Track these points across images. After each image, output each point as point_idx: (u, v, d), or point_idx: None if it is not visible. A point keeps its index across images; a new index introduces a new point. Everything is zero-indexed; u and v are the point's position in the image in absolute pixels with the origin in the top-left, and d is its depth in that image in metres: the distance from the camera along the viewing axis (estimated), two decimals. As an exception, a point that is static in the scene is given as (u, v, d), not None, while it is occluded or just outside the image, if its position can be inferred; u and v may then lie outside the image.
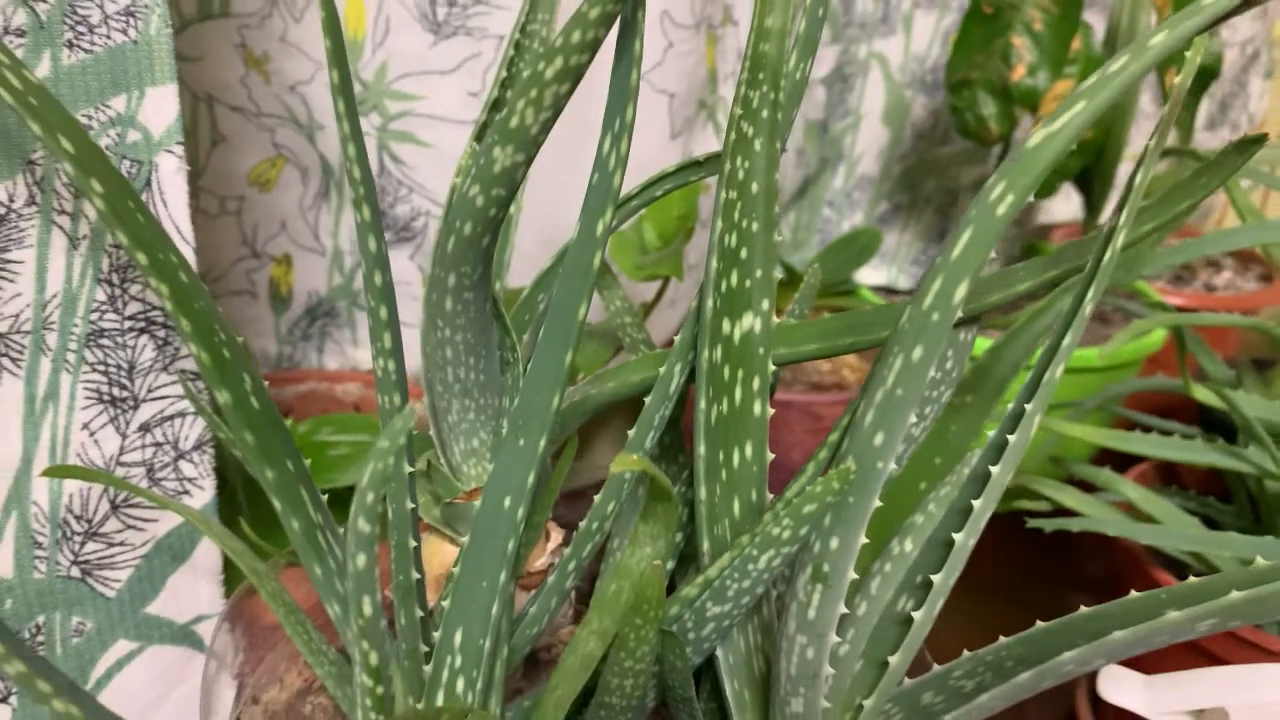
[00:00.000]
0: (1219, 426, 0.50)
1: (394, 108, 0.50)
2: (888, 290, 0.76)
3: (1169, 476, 0.55)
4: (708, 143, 0.58)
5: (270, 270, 0.56)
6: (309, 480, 0.28)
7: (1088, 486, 0.50)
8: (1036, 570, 0.62)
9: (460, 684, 0.26)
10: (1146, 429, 0.48)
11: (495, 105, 0.34)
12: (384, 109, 0.51)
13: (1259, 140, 0.26)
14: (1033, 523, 0.46)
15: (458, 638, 0.26)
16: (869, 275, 0.76)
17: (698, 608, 0.25)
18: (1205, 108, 0.87)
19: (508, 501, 0.25)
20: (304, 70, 0.50)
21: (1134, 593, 0.25)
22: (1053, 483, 0.48)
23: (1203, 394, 0.45)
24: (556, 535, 0.34)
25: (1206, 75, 0.58)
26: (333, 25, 0.23)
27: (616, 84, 0.24)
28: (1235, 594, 0.23)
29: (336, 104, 0.23)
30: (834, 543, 0.23)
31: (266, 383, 0.28)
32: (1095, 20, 0.69)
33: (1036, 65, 0.57)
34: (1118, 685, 0.34)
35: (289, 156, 0.53)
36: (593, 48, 0.22)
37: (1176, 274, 0.85)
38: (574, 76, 0.23)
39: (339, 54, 0.23)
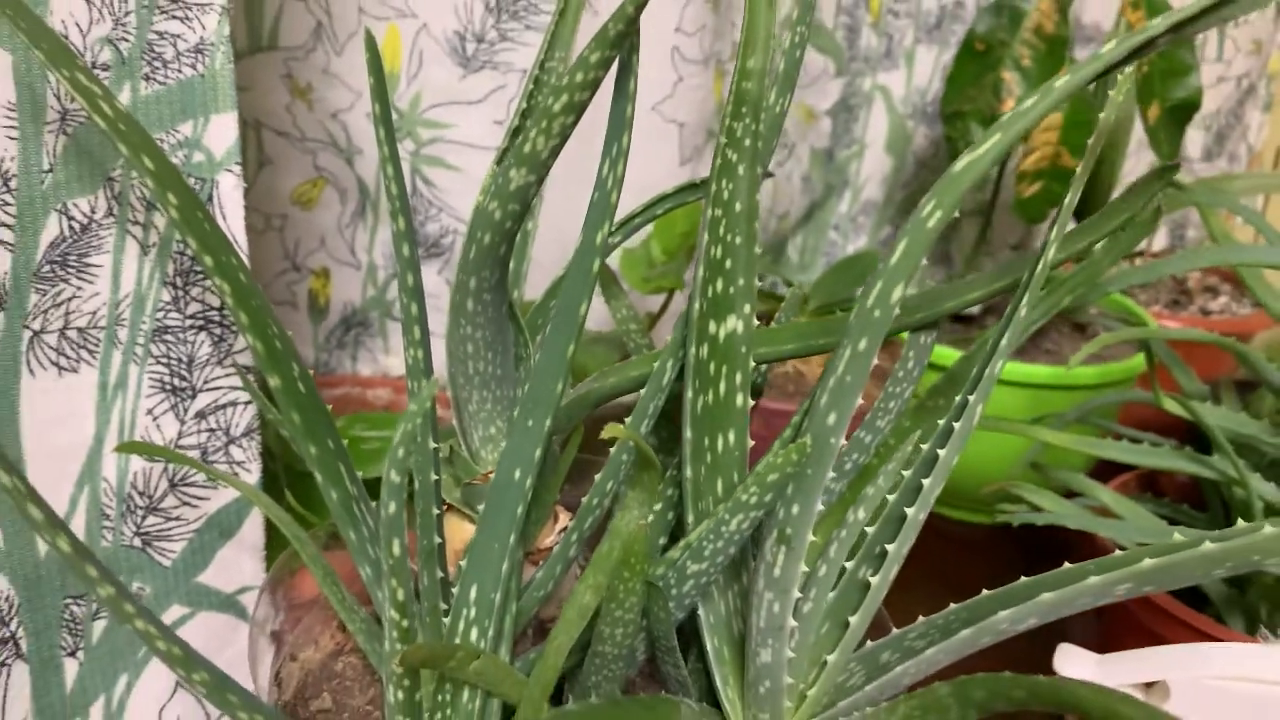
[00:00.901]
0: (1200, 443, 0.53)
1: (426, 135, 0.55)
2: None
3: (1151, 487, 0.58)
4: (716, 168, 0.62)
5: (310, 283, 0.61)
6: (346, 457, 0.32)
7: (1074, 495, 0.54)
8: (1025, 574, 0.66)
9: (474, 633, 0.30)
10: (1120, 439, 0.52)
11: (515, 133, 0.38)
12: (417, 136, 0.55)
13: (1174, 168, 0.30)
14: (1001, 518, 0.49)
15: (473, 592, 0.30)
16: (873, 296, 0.80)
17: (679, 566, 0.29)
18: (1201, 139, 0.90)
19: (518, 473, 0.29)
20: (344, 99, 0.55)
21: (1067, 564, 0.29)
22: (1033, 487, 0.52)
23: (1170, 405, 0.48)
24: (564, 517, 0.38)
25: (1188, 108, 0.61)
26: (375, 64, 0.27)
27: (614, 116, 0.28)
28: (1147, 561, 0.27)
29: (378, 131, 0.27)
30: (795, 509, 0.27)
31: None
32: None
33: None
34: (1072, 661, 0.37)
35: (329, 178, 0.58)
36: (594, 86, 0.26)
37: (1174, 299, 0.88)
38: (578, 110, 0.27)
39: (381, 90, 0.27)
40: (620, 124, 0.28)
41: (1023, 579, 0.29)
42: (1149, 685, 0.37)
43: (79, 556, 0.23)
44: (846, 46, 0.73)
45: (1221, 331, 0.81)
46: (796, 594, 0.28)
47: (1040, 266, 0.29)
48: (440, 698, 0.29)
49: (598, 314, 0.53)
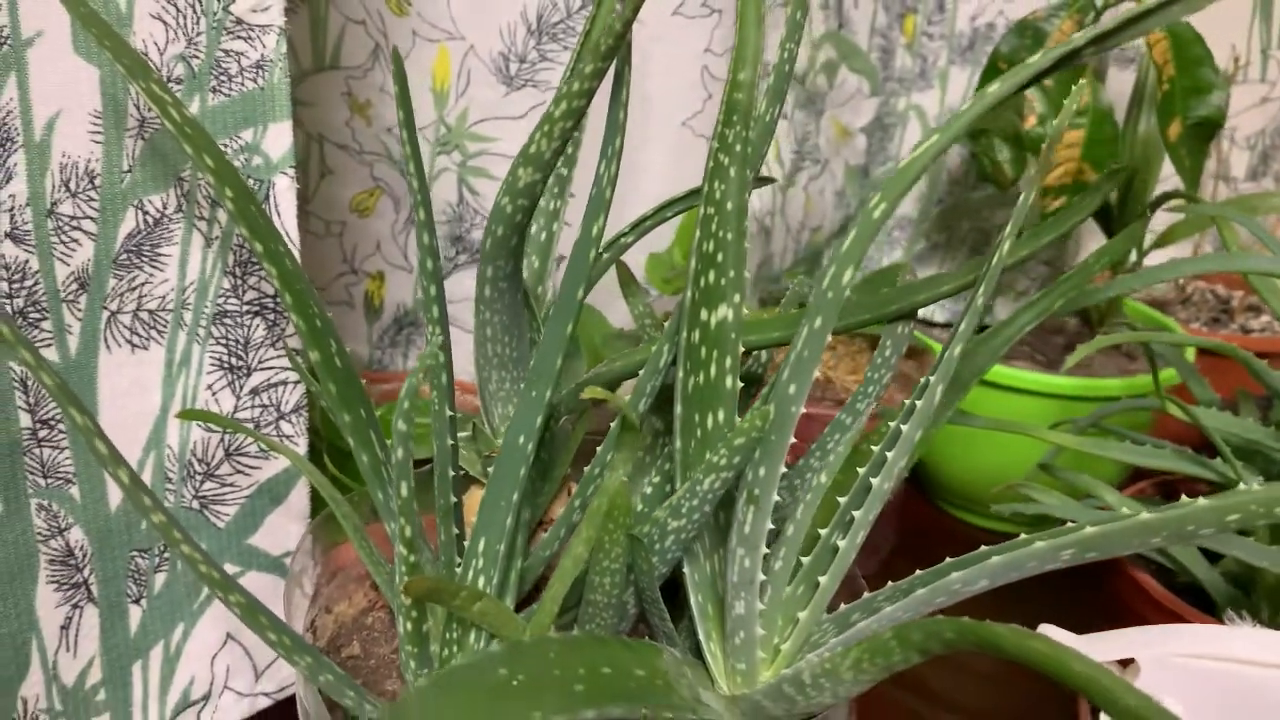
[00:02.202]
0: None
1: (472, 148, 0.59)
2: (924, 322, 0.82)
3: (1170, 496, 0.59)
4: (746, 182, 0.65)
5: (366, 285, 0.66)
6: (376, 425, 0.36)
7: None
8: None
9: (480, 581, 0.33)
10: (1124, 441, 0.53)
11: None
12: (464, 148, 0.59)
13: (1117, 173, 0.32)
14: (995, 508, 0.51)
15: (481, 545, 0.33)
16: (907, 309, 0.82)
17: (661, 523, 0.32)
18: (1246, 159, 0.91)
19: (521, 439, 0.33)
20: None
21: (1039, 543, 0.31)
22: (1040, 487, 0.54)
23: (1173, 409, 0.50)
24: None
25: (1210, 126, 0.62)
26: (400, 77, 0.31)
27: (610, 121, 0.32)
28: (1089, 529, 0.29)
29: (403, 134, 0.31)
30: (762, 471, 0.30)
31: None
32: (1127, 77, 0.75)
33: (1046, 116, 0.63)
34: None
35: (384, 188, 0.63)
36: (588, 95, 0.30)
37: (1214, 316, 0.89)
38: (575, 115, 0.30)
39: (404, 98, 0.31)
40: (614, 128, 0.32)
41: (982, 547, 0.32)
42: (1123, 664, 0.39)
43: (135, 487, 0.27)
44: (881, 67, 0.76)
45: (1260, 349, 0.82)
46: (764, 549, 0.31)
47: (996, 260, 0.31)
48: (449, 635, 0.32)
49: (625, 315, 0.56)
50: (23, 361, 0.28)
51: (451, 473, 0.34)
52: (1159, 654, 0.37)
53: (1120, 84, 0.79)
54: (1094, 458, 0.52)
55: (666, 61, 0.57)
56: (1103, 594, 0.57)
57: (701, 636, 0.34)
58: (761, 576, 0.31)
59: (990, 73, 0.65)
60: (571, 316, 0.32)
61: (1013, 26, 0.64)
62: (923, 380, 0.32)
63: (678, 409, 0.34)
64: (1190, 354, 0.71)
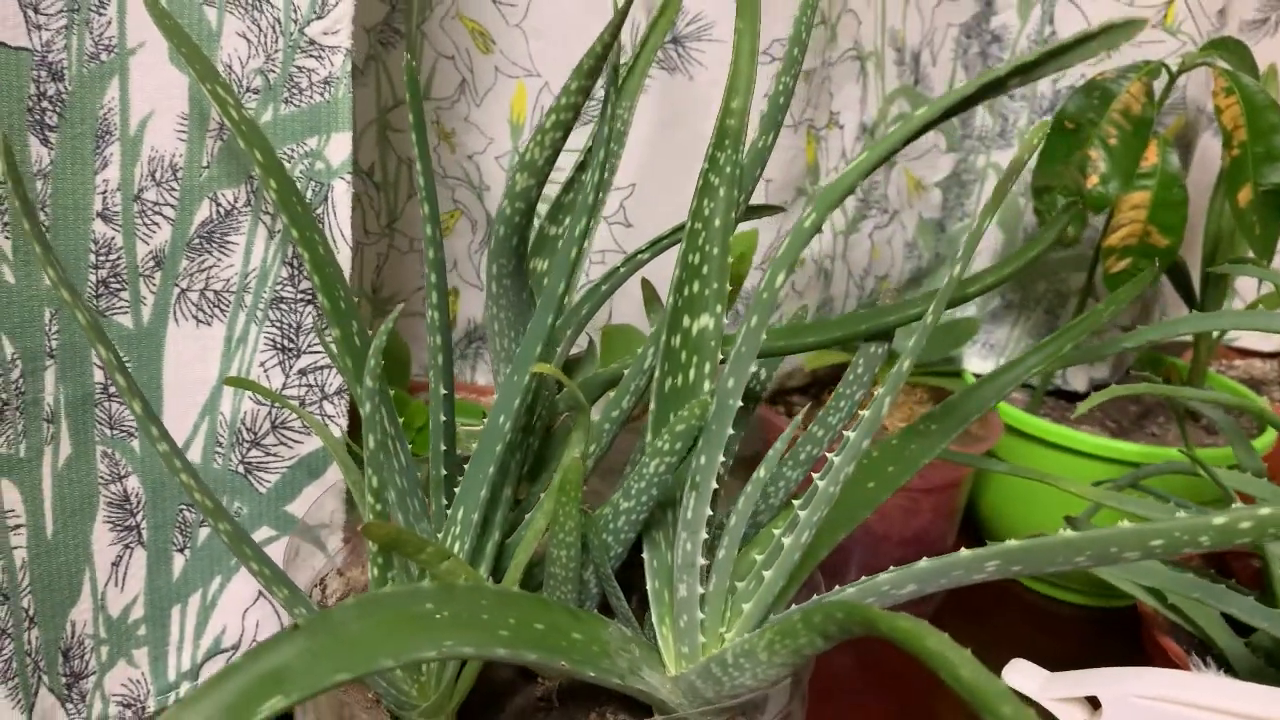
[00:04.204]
0: None
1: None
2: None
3: (1221, 569, 0.58)
4: (805, 224, 0.68)
5: (441, 300, 0.71)
6: (390, 403, 0.40)
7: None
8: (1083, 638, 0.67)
9: (456, 546, 0.36)
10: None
11: (581, 166, 0.45)
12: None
13: (1075, 204, 0.33)
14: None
15: (460, 514, 0.37)
16: (977, 363, 0.82)
17: (614, 504, 0.34)
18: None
19: (501, 418, 0.36)
20: (479, 144, 0.65)
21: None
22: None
23: (1202, 471, 0.49)
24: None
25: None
26: (412, 78, 0.35)
27: (597, 135, 0.35)
28: (1012, 542, 0.30)
29: (412, 136, 0.35)
30: (703, 459, 0.32)
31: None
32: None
33: (1109, 176, 0.63)
34: (1020, 675, 0.40)
35: (463, 210, 0.68)
36: (576, 109, 0.34)
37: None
38: (564, 128, 0.34)
39: (415, 99, 0.35)
40: (600, 142, 0.35)
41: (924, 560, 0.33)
42: (1090, 700, 0.39)
43: (147, 417, 0.32)
44: (960, 124, 0.77)
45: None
46: (704, 534, 0.33)
47: (949, 282, 0.33)
48: (418, 590, 0.35)
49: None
50: (85, 332, 0.32)
51: (444, 447, 0.38)
52: (1120, 693, 0.37)
53: (1213, 150, 0.77)
54: (1133, 518, 0.52)
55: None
56: (1142, 657, 0.56)
57: (655, 620, 0.36)
58: (703, 561, 0.33)
59: (1057, 131, 0.65)
60: (552, 309, 0.36)
61: (1080, 86, 0.65)
62: (875, 395, 0.34)
63: (653, 406, 0.37)
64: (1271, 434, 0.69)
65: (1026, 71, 0.28)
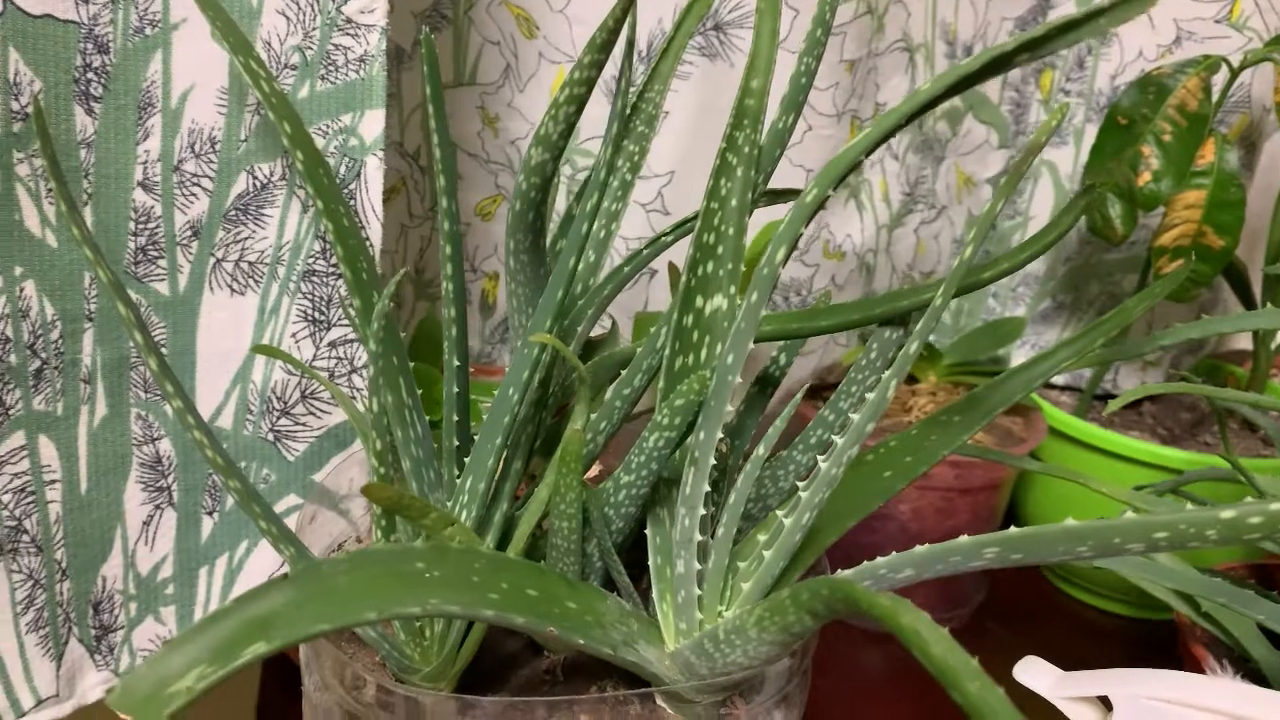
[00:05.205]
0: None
1: (581, 162, 0.64)
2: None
3: (1267, 582, 0.56)
4: (847, 216, 0.67)
5: (483, 284, 0.71)
6: (409, 373, 0.41)
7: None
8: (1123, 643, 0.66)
9: (464, 515, 0.37)
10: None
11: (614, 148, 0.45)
12: (574, 163, 0.64)
13: (1092, 189, 0.33)
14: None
15: (469, 483, 0.37)
16: (1024, 366, 0.80)
17: (615, 478, 0.34)
18: None
19: (510, 390, 0.37)
20: (522, 129, 0.65)
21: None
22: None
23: (1243, 476, 0.48)
24: (596, 467, 0.44)
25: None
26: (429, 49, 0.36)
27: (611, 112, 0.35)
28: (1013, 530, 0.30)
29: (429, 108, 0.36)
30: (702, 435, 0.32)
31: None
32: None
33: (1161, 173, 0.61)
34: (1032, 672, 0.39)
35: (505, 195, 0.68)
36: (588, 84, 0.34)
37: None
38: (578, 102, 0.34)
39: (436, 93, 0.35)
40: (613, 117, 0.35)
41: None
42: (1103, 701, 0.38)
43: (163, 374, 0.33)
44: (1013, 121, 0.76)
45: None
46: (702, 511, 0.33)
47: (957, 265, 0.32)
48: (423, 556, 0.36)
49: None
50: (107, 290, 0.34)
51: (456, 418, 0.38)
52: (1131, 694, 0.36)
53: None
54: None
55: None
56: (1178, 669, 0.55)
57: (655, 595, 0.36)
58: (699, 537, 0.33)
59: (1109, 127, 0.64)
60: (563, 283, 0.36)
61: (1135, 81, 0.63)
62: (875, 377, 0.34)
63: (661, 384, 0.37)
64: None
65: (1034, 47, 0.27)
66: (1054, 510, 0.74)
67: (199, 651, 0.23)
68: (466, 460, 0.37)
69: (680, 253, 0.46)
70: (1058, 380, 0.81)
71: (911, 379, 0.77)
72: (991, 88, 0.74)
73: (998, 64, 0.28)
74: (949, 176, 0.75)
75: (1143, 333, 0.80)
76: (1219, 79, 0.63)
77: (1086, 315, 0.79)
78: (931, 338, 0.79)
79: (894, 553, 0.33)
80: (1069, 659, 0.40)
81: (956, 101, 0.73)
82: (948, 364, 0.74)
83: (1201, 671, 0.49)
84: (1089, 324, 0.42)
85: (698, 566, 0.34)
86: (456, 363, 0.38)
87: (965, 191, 0.77)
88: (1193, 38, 0.71)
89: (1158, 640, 0.68)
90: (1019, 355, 0.80)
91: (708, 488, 0.33)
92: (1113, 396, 0.79)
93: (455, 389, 0.38)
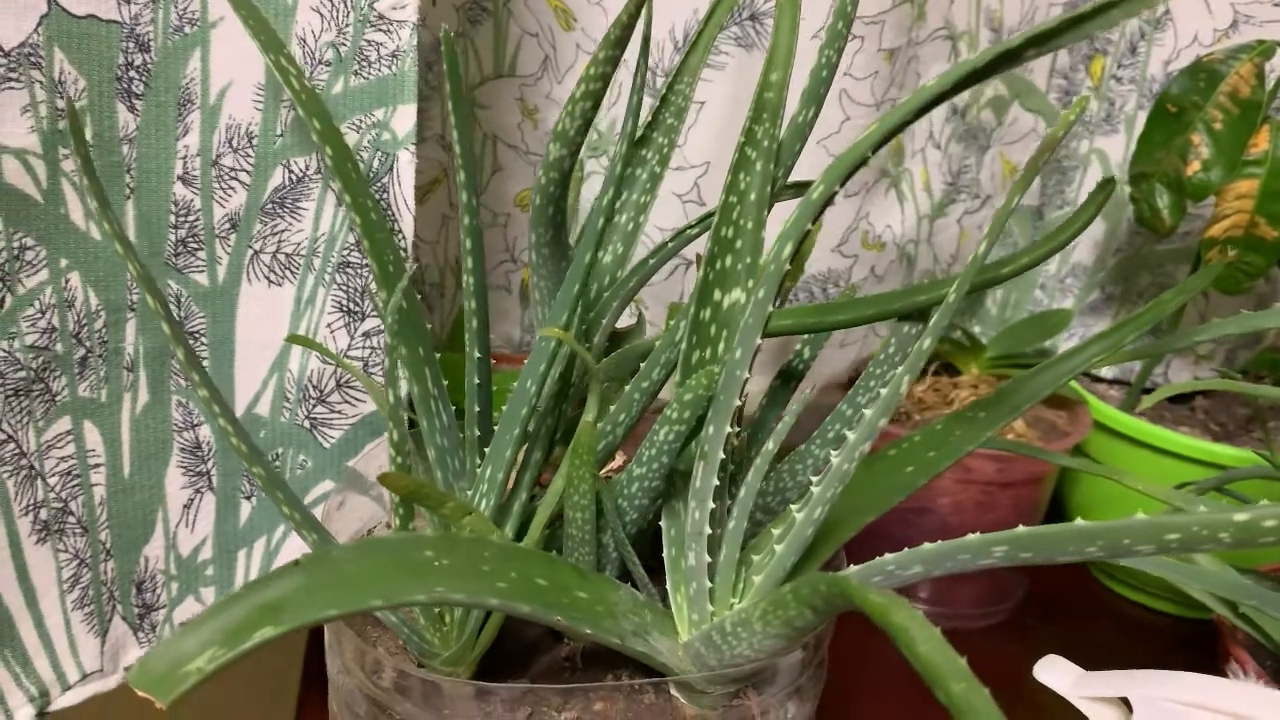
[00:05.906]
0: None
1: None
2: (1089, 376, 0.79)
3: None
4: (887, 206, 0.66)
5: (522, 273, 0.72)
6: (435, 364, 0.42)
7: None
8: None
9: (483, 504, 0.38)
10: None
11: (641, 141, 0.46)
12: (610, 155, 0.65)
13: (1111, 182, 0.32)
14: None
15: (488, 473, 0.38)
16: (1071, 359, 0.79)
17: (628, 471, 0.35)
18: None
19: (529, 382, 0.37)
20: (561, 120, 0.66)
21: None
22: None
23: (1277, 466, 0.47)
24: (619, 458, 0.45)
25: None
26: (453, 70, 0.36)
27: (628, 107, 0.35)
28: (1021, 529, 0.30)
29: (449, 104, 0.36)
30: (711, 429, 0.32)
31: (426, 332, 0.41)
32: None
33: (1212, 162, 0.60)
34: (1052, 671, 0.39)
35: (545, 186, 0.69)
36: (605, 79, 0.34)
37: None
38: (594, 98, 0.35)
39: (456, 90, 0.36)
40: (630, 112, 0.35)
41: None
42: (1124, 701, 0.37)
43: (190, 363, 0.34)
44: (1061, 108, 0.74)
45: None
46: (713, 504, 0.33)
47: (974, 260, 0.32)
48: (443, 543, 0.37)
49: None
50: (138, 283, 0.35)
51: (478, 409, 0.39)
52: (1150, 695, 0.35)
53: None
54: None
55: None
56: (1217, 670, 0.54)
57: (670, 587, 0.36)
58: (709, 530, 0.33)
59: (1158, 115, 0.62)
60: (579, 277, 0.36)
61: (1186, 68, 0.61)
62: (889, 373, 0.34)
63: (677, 378, 0.37)
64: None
65: (1042, 42, 0.27)
66: (1100, 504, 0.72)
67: (211, 634, 0.24)
68: (487, 450, 0.38)
69: (706, 245, 0.46)
70: (1106, 373, 0.79)
71: (954, 371, 0.76)
72: (1039, 75, 0.72)
73: (1004, 59, 0.27)
74: (994, 165, 0.74)
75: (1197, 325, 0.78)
76: (1274, 65, 0.61)
77: (1136, 307, 0.77)
78: (976, 329, 0.78)
79: (908, 549, 0.33)
80: (1110, 655, 0.39)
81: (1003, 90, 0.71)
82: (991, 356, 0.73)
83: (1244, 673, 0.48)
84: (1123, 318, 0.42)
85: (708, 559, 0.34)
86: (478, 354, 0.39)
87: (1011, 181, 0.75)
88: (1250, 21, 0.69)
89: (1203, 640, 0.67)
90: (1066, 348, 0.79)
91: (718, 481, 0.33)
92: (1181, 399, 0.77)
93: (476, 380, 0.39)
